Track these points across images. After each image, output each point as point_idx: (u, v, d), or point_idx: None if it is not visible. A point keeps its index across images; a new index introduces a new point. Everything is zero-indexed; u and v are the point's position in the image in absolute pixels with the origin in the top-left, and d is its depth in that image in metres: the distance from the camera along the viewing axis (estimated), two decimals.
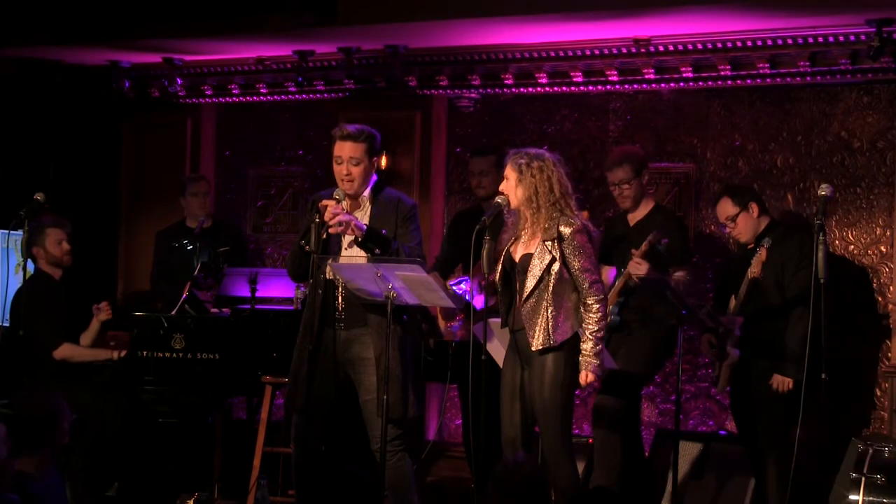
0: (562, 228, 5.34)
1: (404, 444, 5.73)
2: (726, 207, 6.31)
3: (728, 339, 6.19)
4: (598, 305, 5.34)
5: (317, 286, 5.76)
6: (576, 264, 5.34)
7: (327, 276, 5.69)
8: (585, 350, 5.35)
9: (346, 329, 5.79)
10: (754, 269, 6.02)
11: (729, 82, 7.25)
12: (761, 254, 5.99)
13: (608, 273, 6.39)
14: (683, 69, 7.24)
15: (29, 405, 5.23)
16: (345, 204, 5.70)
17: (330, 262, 5.72)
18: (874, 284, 7.05)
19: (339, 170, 5.80)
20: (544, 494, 4.76)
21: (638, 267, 6.22)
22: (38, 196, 6.43)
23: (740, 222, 6.27)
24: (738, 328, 6.17)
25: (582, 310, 5.36)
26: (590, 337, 5.34)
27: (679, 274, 6.40)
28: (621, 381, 6.09)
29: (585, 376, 5.35)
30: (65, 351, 6.93)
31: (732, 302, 6.24)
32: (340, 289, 5.76)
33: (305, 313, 5.85)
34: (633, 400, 6.40)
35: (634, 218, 6.58)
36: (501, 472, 4.69)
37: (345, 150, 5.79)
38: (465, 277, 5.89)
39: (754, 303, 6.14)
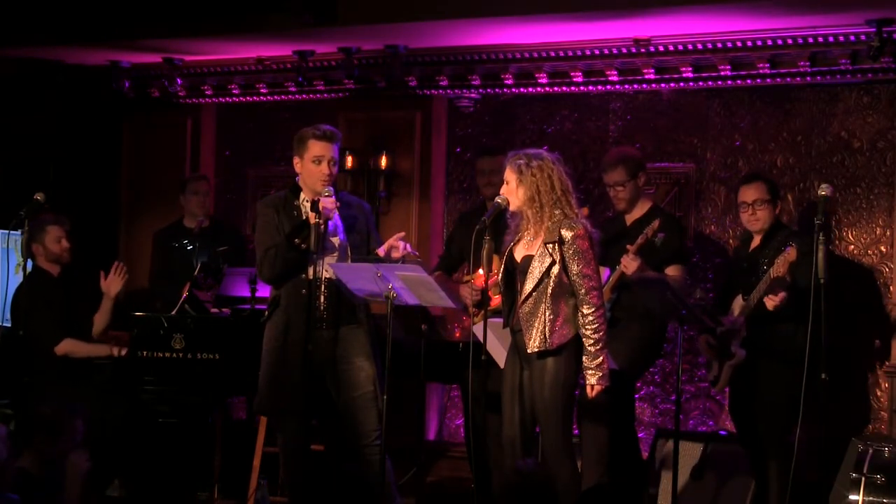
0: (563, 232, 5.33)
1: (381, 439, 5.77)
2: (760, 191, 6.23)
3: (734, 339, 6.17)
4: (592, 317, 5.31)
5: (300, 287, 5.77)
6: (574, 268, 5.33)
7: (310, 276, 5.70)
8: (587, 363, 5.34)
9: (328, 328, 5.81)
10: (780, 269, 5.88)
11: (729, 82, 7.25)
12: (790, 254, 5.83)
13: (602, 274, 6.37)
14: (683, 69, 7.24)
15: (40, 410, 5.24)
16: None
17: (329, 263, 5.75)
18: (874, 284, 7.05)
19: (320, 169, 5.83)
20: (554, 502, 4.78)
21: (630, 263, 6.21)
22: (38, 196, 6.43)
23: (766, 211, 6.22)
24: (744, 328, 6.15)
25: (579, 318, 5.35)
26: (589, 350, 5.32)
27: (674, 271, 6.40)
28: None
29: (591, 389, 5.35)
30: (66, 346, 6.93)
31: (739, 302, 6.21)
32: (323, 288, 5.78)
33: (280, 315, 5.85)
34: (622, 396, 6.31)
35: (631, 218, 6.58)
36: (512, 479, 4.70)
37: (327, 151, 5.85)
38: None
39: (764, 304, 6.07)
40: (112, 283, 7.07)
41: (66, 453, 5.28)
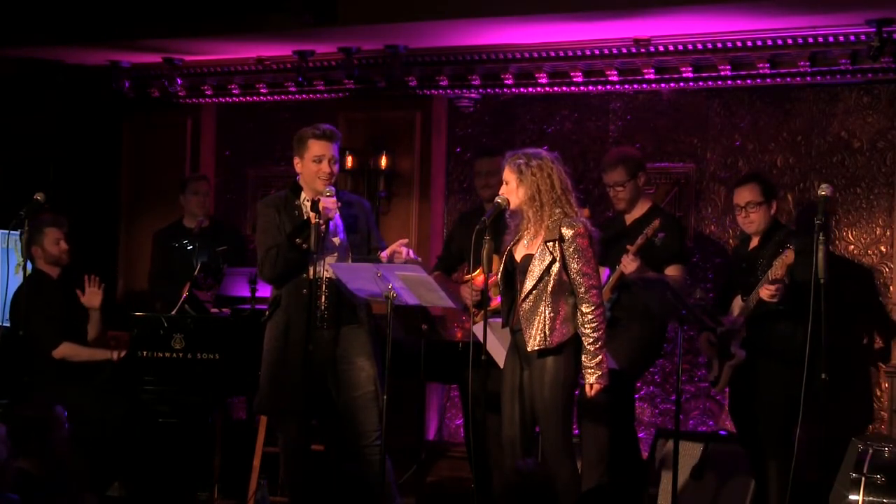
0: (564, 230, 5.33)
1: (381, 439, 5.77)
2: (752, 193, 6.21)
3: (733, 339, 6.17)
4: (592, 315, 5.31)
5: (301, 286, 5.77)
6: (574, 266, 5.33)
7: (310, 276, 5.70)
8: (586, 362, 5.34)
9: (328, 328, 5.82)
10: (778, 272, 5.86)
11: (729, 82, 7.25)
12: (787, 256, 5.81)
13: (602, 274, 6.37)
14: (683, 69, 7.24)
15: (23, 411, 5.22)
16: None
17: (330, 263, 5.75)
18: (874, 284, 7.05)
19: (320, 168, 5.84)
20: (554, 502, 4.78)
21: (630, 263, 6.21)
22: (38, 196, 6.43)
23: (759, 213, 6.21)
24: (744, 328, 6.14)
25: (578, 317, 5.35)
26: (589, 349, 5.32)
27: (674, 271, 6.40)
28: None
29: (590, 388, 5.35)
30: (64, 350, 6.93)
31: (738, 302, 6.21)
32: (324, 288, 5.78)
33: (281, 315, 5.85)
34: (622, 396, 6.31)
35: (631, 218, 6.58)
36: (512, 479, 4.70)
37: (327, 150, 5.85)
38: None
39: (764, 304, 6.07)
40: (92, 296, 7.06)
41: (60, 449, 5.27)
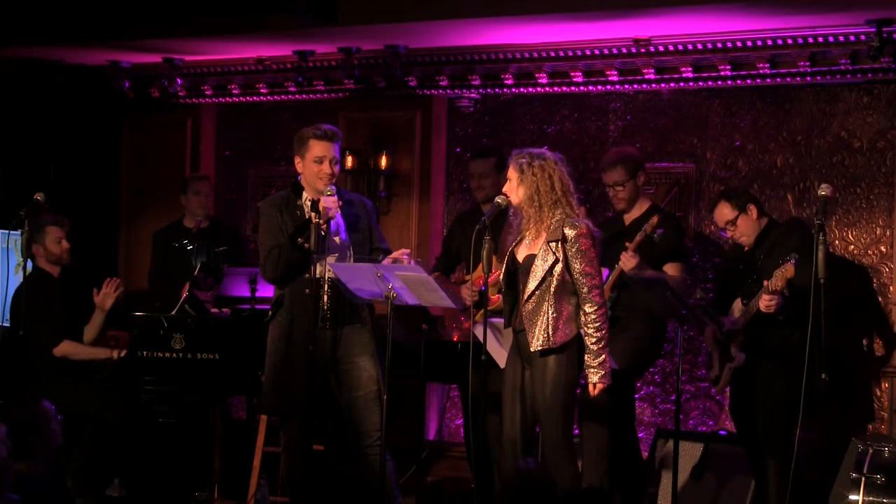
0: (566, 230, 5.34)
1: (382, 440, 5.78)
2: (724, 212, 6.25)
3: (733, 341, 6.17)
4: (595, 315, 5.32)
5: (303, 286, 5.77)
6: (577, 267, 5.33)
7: (312, 276, 5.70)
8: (588, 362, 5.34)
9: (331, 328, 5.82)
10: (777, 284, 5.82)
11: (729, 82, 7.25)
12: (788, 270, 5.79)
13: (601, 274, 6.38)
14: (683, 69, 7.24)
15: (13, 412, 5.22)
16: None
17: (329, 262, 5.75)
18: (874, 284, 7.05)
19: (321, 169, 5.84)
20: (554, 502, 4.78)
21: (629, 260, 6.21)
22: (38, 196, 6.44)
23: (741, 225, 6.23)
24: (743, 330, 6.14)
25: (581, 317, 5.36)
26: (591, 348, 5.33)
27: (672, 270, 6.39)
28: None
29: (593, 388, 5.35)
30: (65, 348, 6.94)
31: (738, 305, 6.20)
32: (326, 288, 5.79)
33: (284, 315, 5.85)
34: (623, 396, 6.29)
35: (630, 217, 6.59)
36: (513, 479, 4.70)
37: (328, 150, 5.85)
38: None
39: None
40: (106, 298, 7.07)
41: (56, 442, 5.27)
